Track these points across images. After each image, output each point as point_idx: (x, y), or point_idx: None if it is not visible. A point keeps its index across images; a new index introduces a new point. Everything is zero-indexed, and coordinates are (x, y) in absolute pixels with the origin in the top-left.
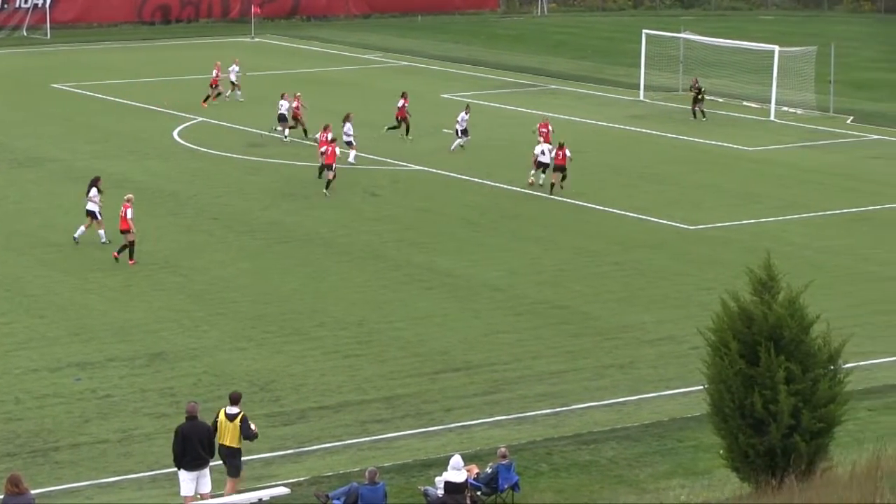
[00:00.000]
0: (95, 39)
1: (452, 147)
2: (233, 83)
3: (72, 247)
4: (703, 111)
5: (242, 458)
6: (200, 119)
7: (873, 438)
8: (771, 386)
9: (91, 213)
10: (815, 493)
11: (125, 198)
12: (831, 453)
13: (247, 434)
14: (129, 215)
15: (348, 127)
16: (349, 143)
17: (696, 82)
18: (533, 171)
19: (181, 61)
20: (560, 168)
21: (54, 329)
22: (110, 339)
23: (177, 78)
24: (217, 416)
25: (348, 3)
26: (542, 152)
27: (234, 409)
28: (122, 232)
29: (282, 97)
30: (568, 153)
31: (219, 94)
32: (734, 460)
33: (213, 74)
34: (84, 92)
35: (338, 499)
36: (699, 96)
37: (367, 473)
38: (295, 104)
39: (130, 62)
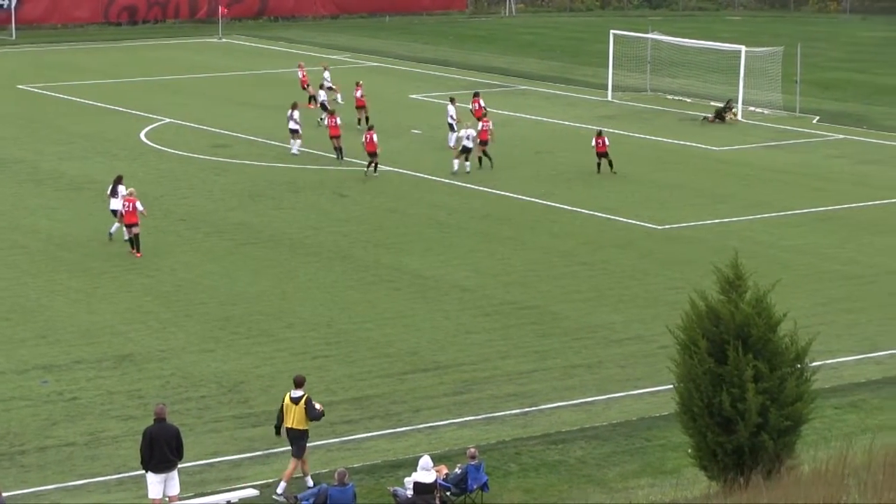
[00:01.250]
0: (61, 40)
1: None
2: (329, 88)
3: (37, 249)
4: (734, 115)
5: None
6: (168, 120)
7: (839, 436)
8: (739, 384)
9: (116, 212)
10: (782, 492)
11: (128, 191)
12: (798, 451)
13: (312, 415)
14: (139, 207)
15: (296, 114)
16: (294, 132)
17: (730, 102)
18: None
19: (149, 62)
20: (603, 154)
21: (20, 331)
22: (77, 341)
23: (144, 79)
24: (283, 401)
25: (316, 3)
26: (467, 137)
27: (298, 393)
28: (129, 225)
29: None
30: (607, 140)
31: (311, 97)
32: (702, 459)
33: (300, 76)
34: (50, 93)
35: (307, 500)
36: (730, 107)
37: (336, 475)
38: (359, 93)
39: (97, 63)
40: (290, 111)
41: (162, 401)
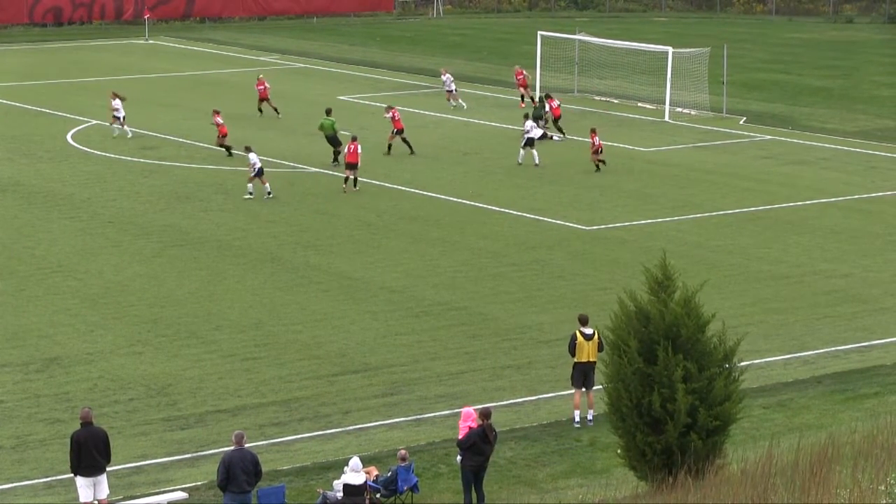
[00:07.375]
0: None
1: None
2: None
3: None
4: (601, 162)
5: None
6: (94, 122)
7: (767, 436)
8: (668, 385)
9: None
10: (710, 492)
11: None
12: (726, 451)
13: (603, 347)
14: None
15: (117, 102)
16: (118, 118)
17: (595, 137)
18: None
19: (74, 64)
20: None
21: None
22: (4, 344)
23: (71, 81)
24: (576, 339)
25: (243, 4)
26: (530, 129)
27: (589, 330)
28: None
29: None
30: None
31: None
32: (631, 459)
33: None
34: None
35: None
36: (598, 152)
37: (233, 436)
38: (116, 101)
39: (22, 65)
40: (112, 100)
41: (89, 404)
